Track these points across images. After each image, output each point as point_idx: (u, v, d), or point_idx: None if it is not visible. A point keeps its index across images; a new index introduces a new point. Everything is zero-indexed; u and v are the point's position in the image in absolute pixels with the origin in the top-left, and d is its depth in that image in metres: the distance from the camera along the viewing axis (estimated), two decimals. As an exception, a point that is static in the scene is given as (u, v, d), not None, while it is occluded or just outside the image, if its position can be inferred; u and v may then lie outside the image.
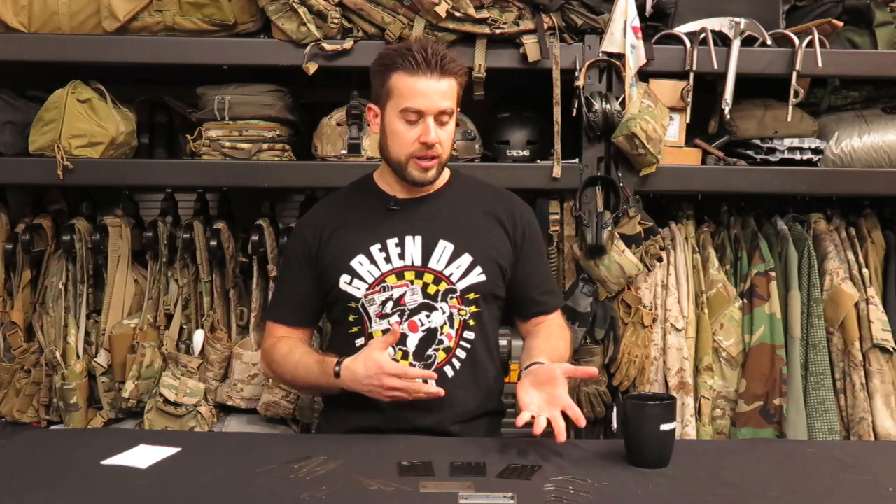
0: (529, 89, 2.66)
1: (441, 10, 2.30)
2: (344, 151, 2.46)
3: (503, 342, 2.31)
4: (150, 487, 1.48)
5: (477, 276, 1.90)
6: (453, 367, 1.90)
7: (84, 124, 2.41)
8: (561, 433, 1.65)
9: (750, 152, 2.53)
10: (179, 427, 2.39)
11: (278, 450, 1.67)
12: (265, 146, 2.47)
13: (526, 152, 2.54)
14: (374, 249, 1.89)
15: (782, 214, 2.65)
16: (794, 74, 2.41)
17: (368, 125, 2.26)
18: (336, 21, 2.36)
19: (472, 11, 2.33)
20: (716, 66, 2.40)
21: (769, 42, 2.45)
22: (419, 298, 1.89)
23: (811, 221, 2.61)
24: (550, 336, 1.96)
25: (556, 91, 2.40)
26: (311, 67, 2.38)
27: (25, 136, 2.47)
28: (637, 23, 2.38)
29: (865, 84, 2.66)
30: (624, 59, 2.38)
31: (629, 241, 2.37)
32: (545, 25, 2.39)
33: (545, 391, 1.71)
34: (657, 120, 2.35)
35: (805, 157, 2.51)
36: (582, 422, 1.67)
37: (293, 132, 2.59)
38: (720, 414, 2.43)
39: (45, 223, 2.57)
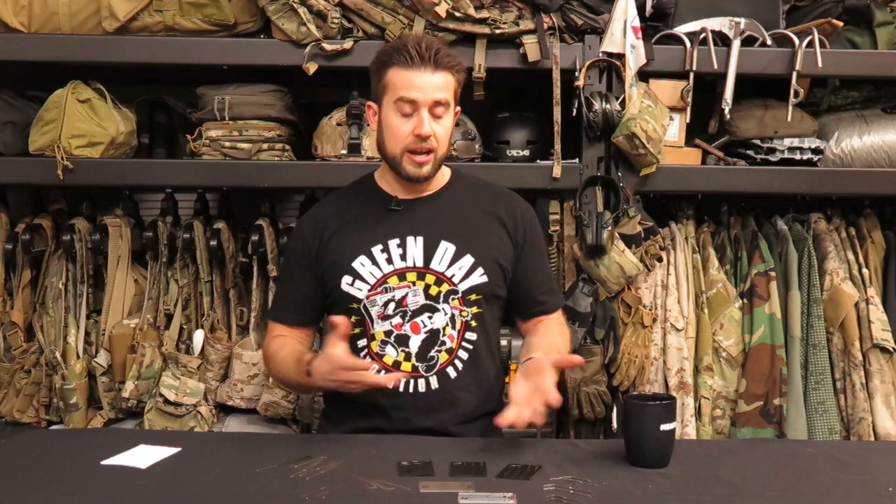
0: (529, 89, 2.66)
1: (441, 10, 2.30)
2: (344, 151, 2.46)
3: (503, 342, 2.31)
4: (150, 487, 1.48)
5: (479, 277, 1.90)
6: (455, 367, 1.90)
7: (84, 124, 2.41)
8: (537, 416, 1.65)
9: (750, 152, 2.53)
10: (179, 427, 2.39)
11: (278, 450, 1.67)
12: (265, 146, 2.47)
13: (526, 152, 2.54)
14: (376, 250, 1.89)
15: (782, 214, 2.65)
16: (794, 74, 2.41)
17: (368, 125, 2.26)
18: (336, 21, 2.36)
19: (472, 11, 2.33)
20: (716, 66, 2.40)
21: (769, 42, 2.45)
22: (421, 300, 1.89)
23: (811, 221, 2.61)
24: (549, 333, 1.96)
25: (556, 91, 2.40)
26: (311, 67, 2.38)
27: (25, 136, 2.47)
28: (637, 23, 2.38)
29: (865, 84, 2.66)
30: (624, 59, 2.38)
31: (629, 241, 2.37)
32: (545, 25, 2.39)
33: (533, 382, 1.70)
34: (657, 120, 2.35)
35: (805, 157, 2.51)
36: (555, 402, 1.66)
37: (293, 132, 2.59)
38: (720, 414, 2.43)
39: (45, 223, 2.57)
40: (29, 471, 1.57)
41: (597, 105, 2.38)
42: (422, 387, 1.89)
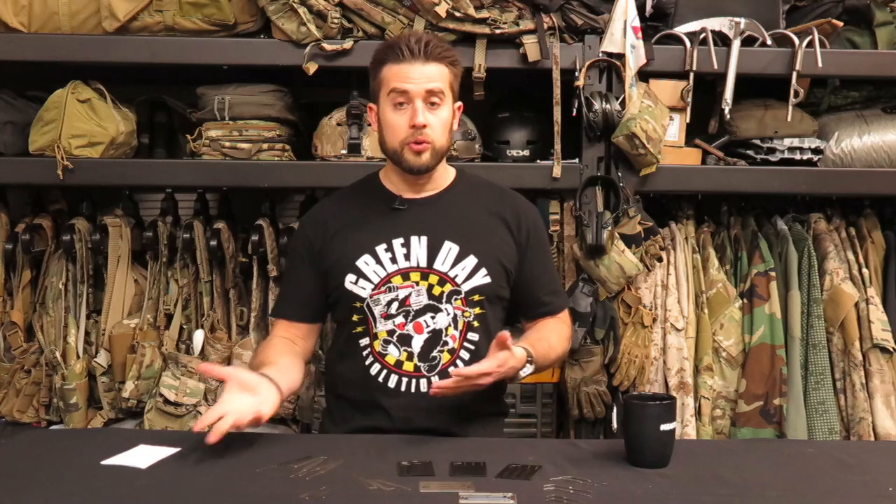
0: (529, 89, 2.66)
1: (441, 10, 2.30)
2: (344, 151, 2.46)
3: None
4: (150, 487, 1.48)
5: (482, 277, 1.90)
6: (457, 368, 1.90)
7: (84, 124, 2.41)
8: (443, 383, 1.69)
9: (750, 152, 2.53)
10: (179, 427, 2.39)
11: (278, 450, 1.67)
12: (265, 146, 2.47)
13: (526, 152, 2.54)
14: (380, 249, 1.89)
15: (782, 214, 2.65)
16: (794, 74, 2.41)
17: (369, 125, 2.26)
18: (336, 21, 2.36)
19: (472, 11, 2.33)
20: (716, 66, 2.40)
21: (769, 42, 2.45)
22: (424, 300, 1.89)
23: (811, 221, 2.61)
24: (542, 329, 1.97)
25: (556, 91, 2.40)
26: (311, 67, 2.38)
27: (25, 136, 2.47)
28: (637, 23, 2.38)
29: (865, 84, 2.66)
30: (624, 59, 2.38)
31: (629, 241, 2.38)
32: (545, 25, 2.39)
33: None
34: (657, 120, 2.35)
35: (805, 157, 2.51)
36: (473, 371, 1.68)
37: (293, 132, 2.59)
38: (720, 414, 2.43)
39: (45, 223, 2.57)
40: (29, 471, 1.57)
41: (597, 105, 2.38)
42: (423, 387, 1.89)
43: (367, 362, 1.91)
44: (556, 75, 2.40)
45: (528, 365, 1.76)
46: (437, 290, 1.89)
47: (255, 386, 1.70)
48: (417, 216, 1.92)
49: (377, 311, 1.89)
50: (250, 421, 1.63)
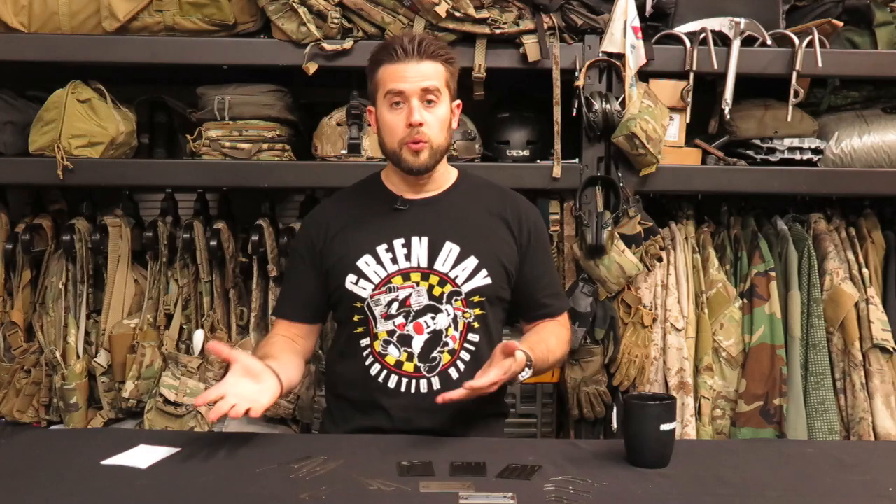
0: (529, 89, 2.66)
1: (441, 10, 2.30)
2: (344, 151, 2.46)
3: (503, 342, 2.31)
4: (150, 487, 1.48)
5: (482, 278, 1.90)
6: (458, 369, 1.90)
7: (84, 124, 2.41)
8: (453, 395, 1.68)
9: (750, 152, 2.53)
10: (179, 427, 2.39)
11: (278, 450, 1.67)
12: (265, 146, 2.47)
13: (526, 152, 2.54)
14: (381, 250, 1.89)
15: (782, 214, 2.65)
16: (794, 74, 2.41)
17: (369, 125, 2.26)
18: (336, 21, 2.36)
19: (472, 11, 2.33)
20: (716, 66, 2.40)
21: (769, 42, 2.45)
22: (424, 300, 1.89)
23: (811, 221, 2.61)
24: (541, 331, 1.97)
25: (556, 91, 2.40)
26: (311, 67, 2.38)
27: (25, 136, 2.47)
28: (637, 23, 2.38)
29: (865, 84, 2.66)
30: (624, 59, 2.38)
31: (629, 241, 2.37)
32: (545, 25, 2.39)
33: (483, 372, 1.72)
34: (657, 120, 2.35)
35: (805, 157, 2.51)
36: (486, 383, 1.67)
37: (293, 132, 2.59)
38: (720, 414, 2.43)
39: (45, 223, 2.57)
40: (29, 471, 1.57)
41: (597, 105, 2.38)
42: (423, 387, 1.89)
43: (368, 362, 1.91)
44: (556, 75, 2.40)
45: (526, 369, 1.76)
46: (437, 291, 1.89)
47: (258, 373, 1.72)
48: (418, 216, 1.92)
49: (377, 311, 1.89)
50: (246, 412, 1.63)
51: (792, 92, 2.42)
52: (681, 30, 2.46)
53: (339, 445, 1.70)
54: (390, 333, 1.89)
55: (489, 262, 1.91)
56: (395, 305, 1.88)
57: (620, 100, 2.39)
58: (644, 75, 2.44)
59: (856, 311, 2.46)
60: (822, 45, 2.41)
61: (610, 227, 2.36)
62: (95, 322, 2.54)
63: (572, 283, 2.45)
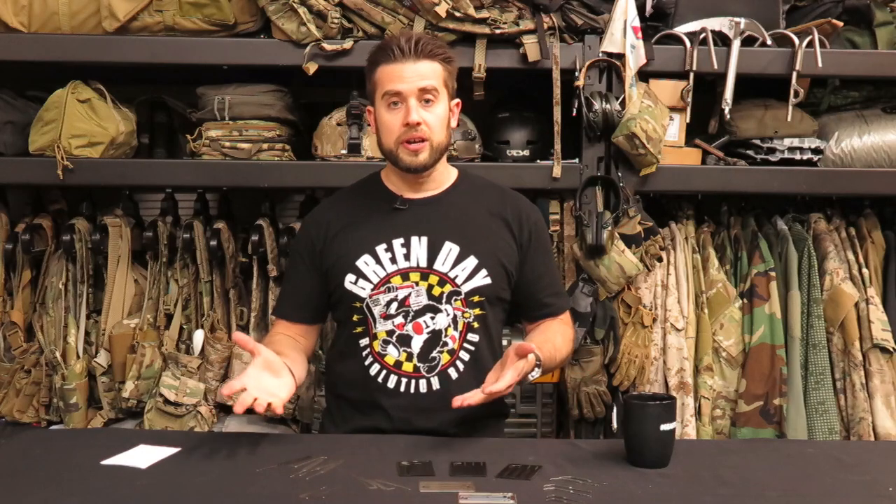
0: (529, 89, 2.66)
1: (441, 10, 2.30)
2: (344, 151, 2.46)
3: (503, 342, 2.31)
4: (150, 487, 1.48)
5: (482, 278, 1.90)
6: (457, 369, 1.90)
7: (84, 124, 2.41)
8: (468, 397, 1.67)
9: (750, 152, 2.53)
10: (179, 427, 2.39)
11: (278, 450, 1.67)
12: (265, 146, 2.47)
13: (526, 152, 2.54)
14: (380, 249, 1.89)
15: (782, 214, 2.65)
16: (794, 74, 2.41)
17: (369, 125, 2.26)
18: (336, 21, 2.36)
19: (472, 11, 2.33)
20: (716, 66, 2.40)
21: (769, 42, 2.45)
22: (424, 300, 1.89)
23: (811, 221, 2.61)
24: (546, 331, 1.97)
25: (556, 91, 2.40)
26: (311, 67, 2.38)
27: (25, 136, 2.47)
28: (637, 23, 2.38)
29: (865, 84, 2.66)
30: (624, 59, 2.38)
31: (629, 241, 2.38)
32: (545, 25, 2.39)
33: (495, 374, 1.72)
34: (657, 120, 2.35)
35: (805, 157, 2.51)
36: (503, 386, 1.66)
37: (293, 132, 2.59)
38: (720, 414, 2.43)
39: (45, 223, 2.57)
40: (29, 471, 1.57)
41: (597, 105, 2.38)
42: (423, 387, 1.89)
43: (367, 362, 1.91)
44: (556, 75, 2.40)
45: (536, 368, 1.75)
46: (436, 291, 1.88)
47: (278, 368, 1.73)
48: (418, 216, 1.92)
49: (377, 311, 1.89)
50: (267, 406, 1.64)
51: (792, 92, 2.42)
52: (681, 30, 2.46)
53: (339, 445, 1.70)
54: (389, 333, 1.89)
55: (489, 262, 1.90)
56: (395, 305, 1.88)
57: (620, 100, 2.39)
58: (644, 75, 2.44)
59: (856, 311, 2.46)
60: (822, 45, 2.41)
61: (610, 227, 2.36)
62: (95, 322, 2.54)
63: (572, 283, 2.45)
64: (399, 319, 1.88)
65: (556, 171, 2.43)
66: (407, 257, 1.89)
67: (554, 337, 1.94)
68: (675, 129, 2.49)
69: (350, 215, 1.95)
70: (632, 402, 1.63)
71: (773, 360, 2.41)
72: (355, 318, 1.91)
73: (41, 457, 1.64)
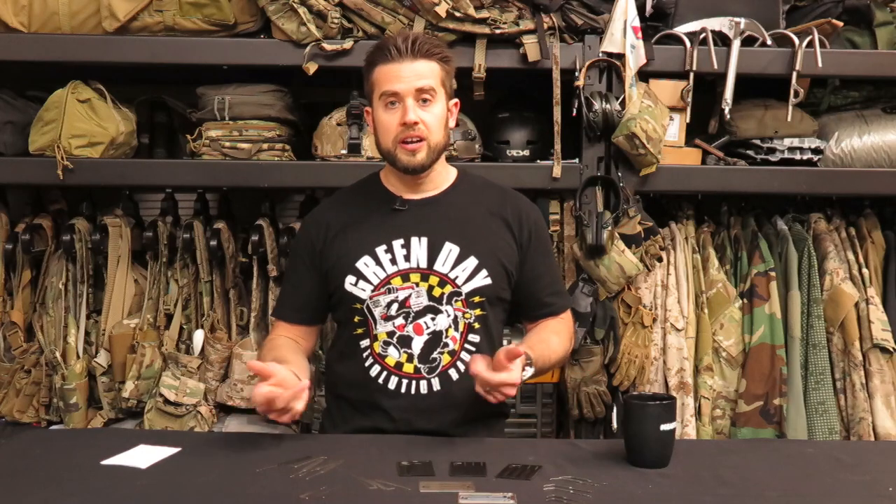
0: (529, 89, 2.66)
1: (441, 10, 2.30)
2: (344, 151, 2.46)
3: (504, 342, 2.31)
4: (150, 487, 1.48)
5: (482, 279, 1.90)
6: (458, 369, 1.90)
7: (84, 124, 2.41)
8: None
9: (750, 152, 2.53)
10: (179, 427, 2.39)
11: (278, 450, 1.67)
12: (265, 146, 2.47)
13: (526, 152, 2.54)
14: (380, 250, 1.89)
15: (782, 214, 2.65)
16: (794, 74, 2.41)
17: (368, 125, 2.26)
18: (336, 21, 2.36)
19: (472, 11, 2.33)
20: (716, 66, 2.40)
21: (769, 42, 2.45)
22: (424, 301, 1.88)
23: (811, 221, 2.61)
24: (542, 331, 1.97)
25: (556, 91, 2.40)
26: (311, 67, 2.38)
27: (25, 136, 2.47)
28: (637, 23, 2.38)
29: (865, 84, 2.66)
30: (624, 59, 2.38)
31: (629, 241, 2.38)
32: (545, 25, 2.39)
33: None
34: (657, 120, 2.35)
35: (805, 157, 2.51)
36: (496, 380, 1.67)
37: (293, 132, 2.59)
38: (720, 414, 2.43)
39: (45, 223, 2.57)
40: (29, 471, 1.57)
41: (597, 105, 2.38)
42: (423, 388, 1.88)
43: (367, 363, 1.91)
44: (556, 75, 2.40)
45: (527, 368, 1.76)
46: (437, 292, 1.88)
47: (292, 386, 1.69)
48: (418, 217, 1.91)
49: (377, 312, 1.89)
50: (287, 409, 1.64)
51: (792, 92, 2.42)
52: (681, 30, 2.46)
53: (339, 445, 1.70)
54: (390, 334, 1.89)
55: (489, 263, 1.90)
56: (395, 306, 1.88)
57: (620, 100, 2.39)
58: (644, 75, 2.44)
59: (856, 311, 2.46)
60: (822, 45, 2.41)
61: (610, 227, 2.36)
62: (95, 322, 2.54)
63: (572, 283, 2.45)
64: (399, 320, 1.88)
65: (556, 171, 2.43)
66: (407, 258, 1.89)
67: (549, 337, 1.94)
68: (675, 129, 2.49)
69: (350, 216, 1.95)
70: (632, 402, 1.63)
71: (773, 360, 2.41)
72: (356, 319, 1.91)
73: (41, 457, 1.64)
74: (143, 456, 1.62)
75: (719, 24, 2.46)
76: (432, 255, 1.89)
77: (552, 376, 2.48)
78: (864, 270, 2.51)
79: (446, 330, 1.89)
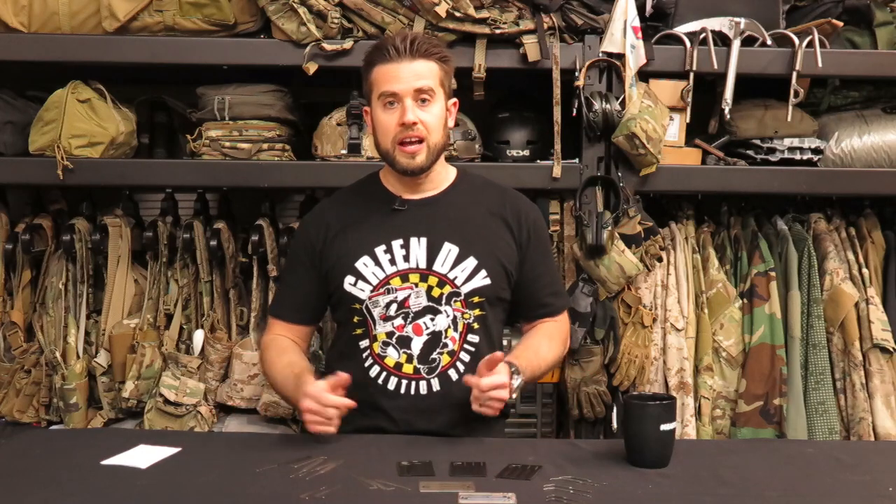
0: (529, 89, 2.66)
1: (441, 10, 2.30)
2: (344, 151, 2.46)
3: (503, 342, 2.31)
4: (150, 487, 1.48)
5: (482, 279, 1.89)
6: (457, 370, 1.90)
7: (84, 124, 2.41)
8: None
9: (750, 152, 2.53)
10: (179, 427, 2.39)
11: (278, 450, 1.67)
12: (265, 146, 2.47)
13: (526, 152, 2.54)
14: (379, 251, 1.89)
15: (782, 214, 2.65)
16: (794, 74, 2.41)
17: (367, 125, 2.26)
18: (336, 21, 2.36)
19: (472, 11, 2.33)
20: (716, 66, 2.40)
21: (769, 42, 2.45)
22: (423, 301, 1.88)
23: (811, 221, 2.61)
24: (532, 337, 1.97)
25: (556, 91, 2.40)
26: (311, 67, 2.38)
27: (25, 136, 2.47)
28: (637, 23, 2.38)
29: (865, 84, 2.66)
30: (624, 59, 2.38)
31: (629, 241, 2.38)
32: (545, 25, 2.39)
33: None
34: (657, 120, 2.35)
35: (805, 157, 2.51)
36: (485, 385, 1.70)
37: (293, 132, 2.59)
38: (720, 414, 2.43)
39: (45, 223, 2.57)
40: (29, 471, 1.57)
41: (597, 105, 2.38)
42: (423, 389, 1.88)
43: (367, 364, 1.91)
44: (556, 75, 2.40)
45: (515, 376, 1.76)
46: (436, 292, 1.88)
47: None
48: (417, 217, 1.91)
49: (376, 312, 1.89)
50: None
51: (792, 92, 2.42)
52: (681, 30, 2.46)
53: (339, 445, 1.70)
54: (389, 335, 1.89)
55: (488, 263, 1.90)
56: (394, 307, 1.88)
57: (620, 100, 2.39)
58: (644, 75, 2.44)
59: (856, 311, 2.46)
60: (822, 45, 2.41)
61: (610, 227, 2.36)
62: (95, 322, 2.54)
63: (572, 283, 2.45)
64: (399, 321, 1.88)
65: (556, 171, 2.43)
66: (406, 258, 1.89)
67: (538, 343, 1.94)
68: (675, 129, 2.49)
69: (349, 216, 1.95)
70: (632, 402, 1.64)
71: (773, 360, 2.41)
72: (355, 319, 1.91)
73: (41, 457, 1.64)
74: (143, 456, 1.62)
75: (719, 24, 2.46)
76: (431, 255, 1.89)
77: (552, 376, 2.48)
78: (864, 270, 2.51)
79: (445, 330, 1.89)
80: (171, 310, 2.53)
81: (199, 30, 2.44)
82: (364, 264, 1.89)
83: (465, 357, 1.90)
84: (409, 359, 1.88)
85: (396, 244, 1.89)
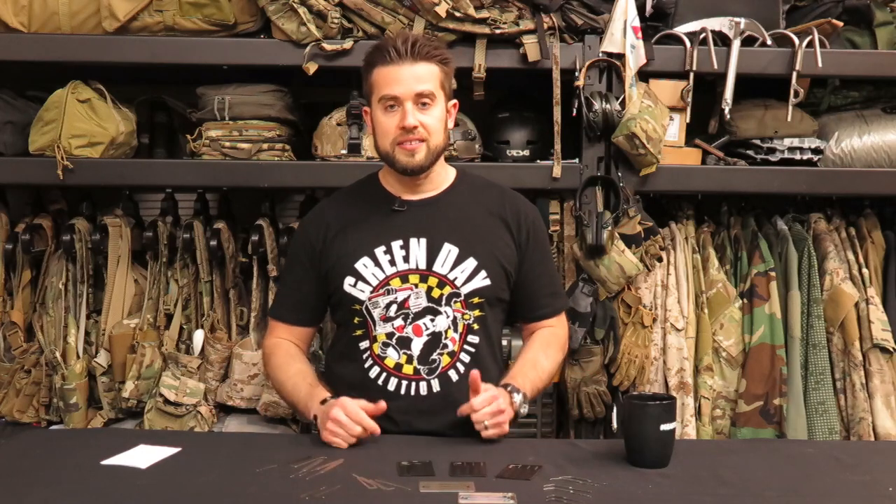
0: (529, 89, 2.66)
1: (441, 10, 2.30)
2: (344, 151, 2.46)
3: (503, 342, 2.31)
4: (150, 487, 1.48)
5: (481, 280, 1.89)
6: (457, 370, 1.90)
7: (84, 124, 2.41)
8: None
9: (750, 152, 2.53)
10: (179, 427, 2.39)
11: (278, 450, 1.67)
12: (265, 146, 2.47)
13: (526, 152, 2.54)
14: (379, 252, 1.89)
15: (782, 214, 2.65)
16: (794, 74, 2.41)
17: (367, 125, 2.26)
18: (336, 21, 2.36)
19: (472, 11, 2.33)
20: (716, 66, 2.40)
21: (769, 42, 2.45)
22: (423, 302, 1.88)
23: (811, 221, 2.61)
24: (528, 350, 1.98)
25: (556, 91, 2.40)
26: (311, 67, 2.38)
27: (25, 136, 2.47)
28: (637, 23, 2.38)
29: (865, 84, 2.66)
30: (624, 59, 2.38)
31: (629, 241, 2.38)
32: (545, 25, 2.39)
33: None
34: (657, 120, 2.35)
35: (805, 157, 2.51)
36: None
37: (293, 132, 2.59)
38: (720, 414, 2.43)
39: (45, 223, 2.57)
40: (29, 471, 1.57)
41: (597, 105, 2.38)
42: (423, 390, 1.88)
43: (367, 365, 1.90)
44: (556, 75, 2.40)
45: (514, 395, 1.80)
46: (436, 293, 1.88)
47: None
48: (417, 218, 1.91)
49: (376, 313, 1.88)
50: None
51: (792, 92, 2.42)
52: (681, 30, 2.46)
53: (339, 445, 1.70)
54: (389, 336, 1.89)
55: (488, 264, 1.90)
56: (394, 308, 1.88)
57: (620, 100, 2.39)
58: (644, 75, 2.44)
59: (856, 311, 2.46)
60: (822, 45, 2.41)
61: (610, 227, 2.36)
62: (95, 322, 2.54)
63: (572, 283, 2.45)
64: (399, 322, 1.88)
65: (556, 171, 2.43)
66: (406, 259, 1.88)
67: (535, 356, 1.95)
68: (675, 129, 2.49)
69: (349, 217, 1.95)
70: (632, 402, 1.64)
71: (773, 360, 2.41)
72: (355, 320, 1.90)
73: (41, 457, 1.64)
74: (143, 456, 1.62)
75: (719, 24, 2.46)
76: (431, 256, 1.89)
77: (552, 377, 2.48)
78: (864, 270, 2.51)
79: (445, 331, 1.89)
80: (171, 310, 2.53)
81: (199, 30, 2.44)
82: (364, 265, 1.89)
83: (466, 358, 1.90)
84: (409, 359, 1.88)
85: (396, 245, 1.89)
